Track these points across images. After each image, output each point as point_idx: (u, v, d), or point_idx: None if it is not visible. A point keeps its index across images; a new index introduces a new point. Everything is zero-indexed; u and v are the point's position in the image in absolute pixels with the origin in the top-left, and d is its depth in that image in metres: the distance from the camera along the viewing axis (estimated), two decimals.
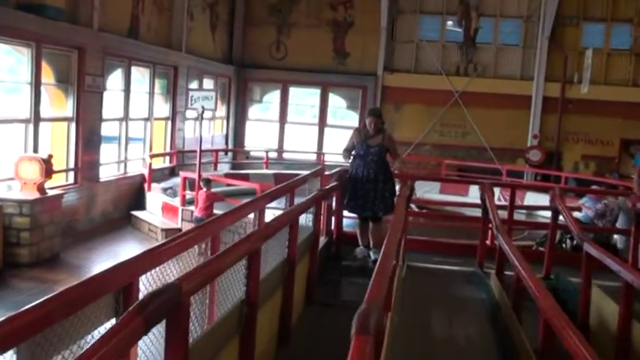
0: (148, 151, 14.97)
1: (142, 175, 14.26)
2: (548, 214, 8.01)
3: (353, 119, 19.94)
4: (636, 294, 4.75)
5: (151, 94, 15.12)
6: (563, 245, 9.56)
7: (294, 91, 20.76)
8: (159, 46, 15.03)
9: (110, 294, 2.78)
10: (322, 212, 6.38)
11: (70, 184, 11.89)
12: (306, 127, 20.89)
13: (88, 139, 12.20)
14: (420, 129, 19.44)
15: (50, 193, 10.23)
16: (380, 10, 19.20)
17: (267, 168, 18.17)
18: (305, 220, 5.66)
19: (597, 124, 18.60)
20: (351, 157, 7.19)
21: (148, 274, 3.20)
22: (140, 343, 2.61)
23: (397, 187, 7.16)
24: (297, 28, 19.99)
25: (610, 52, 18.78)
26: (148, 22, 14.64)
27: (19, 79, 10.86)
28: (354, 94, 20.14)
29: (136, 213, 13.30)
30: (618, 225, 9.07)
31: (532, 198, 15.20)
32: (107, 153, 13.53)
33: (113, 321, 2.85)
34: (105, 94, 12.75)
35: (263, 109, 21.29)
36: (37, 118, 10.78)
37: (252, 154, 20.15)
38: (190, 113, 15.36)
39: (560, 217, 7.04)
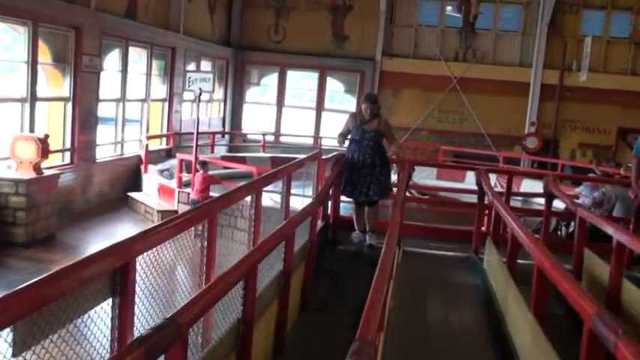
0: (144, 132, 14.95)
1: (139, 157, 14.25)
2: (543, 201, 8.04)
3: (350, 103, 19.85)
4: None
5: (149, 75, 15.06)
6: (559, 233, 9.59)
7: (291, 75, 20.68)
8: (157, 27, 14.92)
9: (107, 274, 2.78)
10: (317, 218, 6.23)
11: (66, 165, 11.88)
12: (304, 111, 20.83)
13: (85, 120, 12.17)
14: (417, 115, 19.39)
15: (46, 172, 10.21)
16: None
17: (264, 151, 18.15)
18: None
19: (595, 112, 18.60)
20: (346, 142, 7.19)
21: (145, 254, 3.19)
22: None
23: (393, 172, 7.16)
24: (296, 11, 19.85)
25: (609, 40, 18.72)
26: (146, 3, 14.52)
27: (16, 58, 10.80)
28: (352, 78, 20.06)
29: (132, 194, 13.29)
30: (615, 214, 9.08)
31: (528, 185, 15.22)
32: (104, 134, 13.50)
33: (110, 300, 2.86)
34: (102, 74, 12.70)
35: (260, 92, 21.21)
36: (33, 98, 10.74)
37: (249, 137, 20.12)
38: (188, 95, 15.31)
39: (555, 204, 7.12)
